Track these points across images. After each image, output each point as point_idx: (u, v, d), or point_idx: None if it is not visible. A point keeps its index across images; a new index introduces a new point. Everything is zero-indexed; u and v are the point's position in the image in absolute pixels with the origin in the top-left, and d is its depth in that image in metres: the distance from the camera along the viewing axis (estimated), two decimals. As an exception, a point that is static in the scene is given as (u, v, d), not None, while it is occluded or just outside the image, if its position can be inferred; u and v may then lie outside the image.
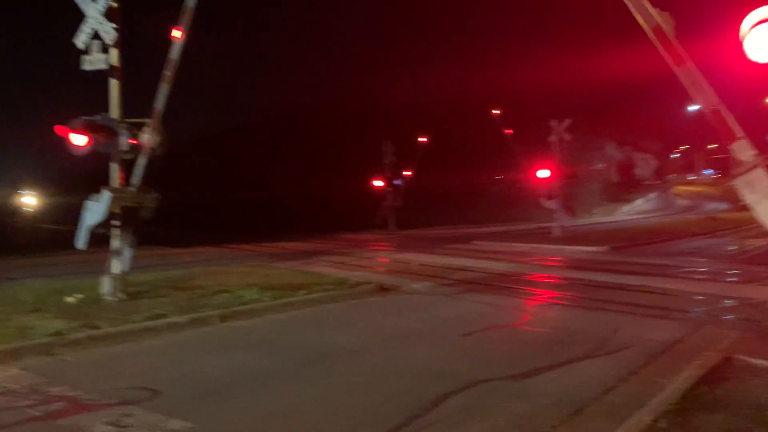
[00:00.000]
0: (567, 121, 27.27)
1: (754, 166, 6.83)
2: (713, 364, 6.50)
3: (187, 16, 10.65)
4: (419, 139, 38.60)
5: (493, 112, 35.37)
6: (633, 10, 7.85)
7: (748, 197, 6.88)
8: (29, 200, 53.97)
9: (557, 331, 8.40)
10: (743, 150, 7.03)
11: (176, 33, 10.65)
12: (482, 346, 7.65)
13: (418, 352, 7.34)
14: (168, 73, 10.77)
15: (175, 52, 10.72)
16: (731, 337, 7.78)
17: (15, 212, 51.12)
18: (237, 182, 48.56)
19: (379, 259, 20.27)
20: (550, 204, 27.90)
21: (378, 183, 37.40)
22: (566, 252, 21.24)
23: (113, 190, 10.40)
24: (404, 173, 38.72)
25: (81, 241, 10.72)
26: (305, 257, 20.54)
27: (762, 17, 5.91)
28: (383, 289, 12.27)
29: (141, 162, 10.81)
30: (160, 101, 10.76)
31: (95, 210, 10.43)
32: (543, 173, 28.96)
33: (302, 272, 14.50)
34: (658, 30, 7.82)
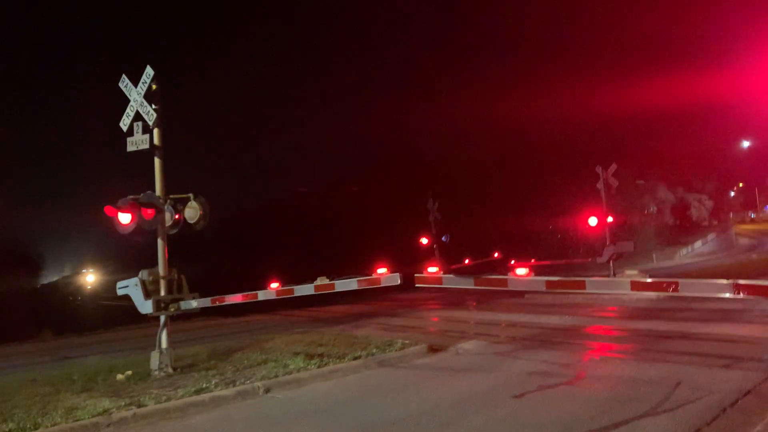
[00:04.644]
0: (613, 166, 26.64)
1: None
2: (789, 417, 5.99)
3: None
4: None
5: None
6: None
7: None
8: (89, 278, 55.92)
9: (615, 388, 7.93)
10: None
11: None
12: (535, 408, 7.27)
13: (468, 420, 7.02)
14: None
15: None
16: (808, 386, 7.20)
17: (75, 291, 52.94)
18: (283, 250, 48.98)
19: (427, 318, 19.91)
20: (606, 255, 26.47)
21: (424, 240, 37.29)
22: (624, 300, 20.40)
23: (156, 304, 10.67)
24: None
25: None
26: (353, 320, 20.35)
27: None
28: (432, 350, 11.95)
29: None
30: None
31: (141, 303, 10.73)
32: (592, 221, 28.11)
33: (349, 336, 14.30)
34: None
